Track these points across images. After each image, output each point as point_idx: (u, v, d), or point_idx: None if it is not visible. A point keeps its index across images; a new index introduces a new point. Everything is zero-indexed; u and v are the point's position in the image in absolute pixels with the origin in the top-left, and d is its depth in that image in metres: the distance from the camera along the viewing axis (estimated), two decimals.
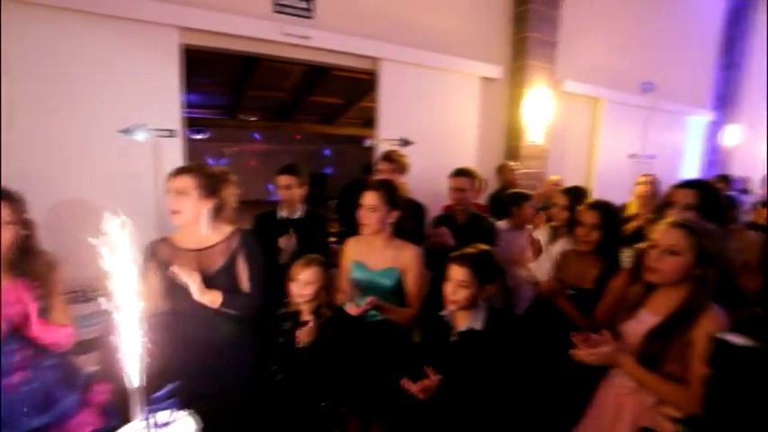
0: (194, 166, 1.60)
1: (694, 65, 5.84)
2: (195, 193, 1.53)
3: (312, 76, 5.78)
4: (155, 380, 1.36)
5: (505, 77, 4.10)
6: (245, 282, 1.61)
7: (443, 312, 1.57)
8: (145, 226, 2.38)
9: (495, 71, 3.99)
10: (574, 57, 4.42)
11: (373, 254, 1.86)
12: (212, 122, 8.36)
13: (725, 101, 6.08)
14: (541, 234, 2.29)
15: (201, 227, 1.57)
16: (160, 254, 1.57)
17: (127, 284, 0.91)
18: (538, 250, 2.28)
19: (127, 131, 2.51)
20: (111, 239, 0.87)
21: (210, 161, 10.01)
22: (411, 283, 1.80)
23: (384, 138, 3.49)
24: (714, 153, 6.15)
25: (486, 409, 1.48)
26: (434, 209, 2.87)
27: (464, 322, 1.52)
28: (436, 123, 3.79)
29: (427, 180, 3.28)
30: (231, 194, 1.66)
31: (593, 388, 1.56)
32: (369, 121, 4.88)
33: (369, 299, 1.61)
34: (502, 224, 2.47)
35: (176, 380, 1.43)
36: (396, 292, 1.81)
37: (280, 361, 1.75)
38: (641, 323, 1.38)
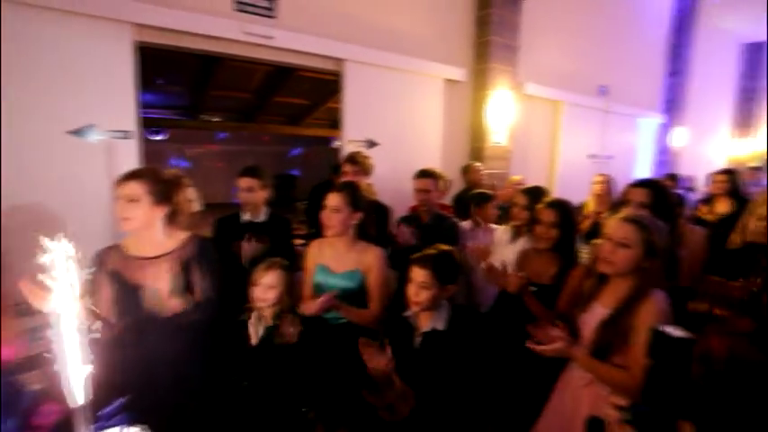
0: (145, 171, 1.52)
1: (645, 70, 6.17)
2: (147, 200, 1.45)
3: (277, 77, 5.69)
4: (105, 395, 1.30)
5: (469, 80, 4.19)
6: (200, 290, 1.55)
7: (407, 313, 1.58)
8: (98, 232, 2.28)
9: (458, 73, 4.07)
10: (534, 60, 4.57)
11: (336, 256, 1.85)
12: (173, 123, 8.06)
13: (672, 104, 6.47)
14: (503, 233, 2.35)
15: (155, 234, 1.51)
16: (109, 263, 1.49)
17: (69, 296, 0.86)
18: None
19: (77, 133, 2.38)
20: (55, 249, 0.83)
21: (173, 163, 9.70)
22: (374, 284, 1.80)
23: (350, 139, 3.48)
24: (664, 153, 6.52)
25: (450, 409, 1.50)
26: (400, 210, 2.89)
27: (427, 323, 1.53)
28: (401, 125, 3.82)
29: (393, 181, 3.30)
30: (186, 200, 1.59)
31: (554, 381, 1.62)
32: (336, 122, 4.86)
33: (325, 295, 1.60)
34: (465, 224, 2.52)
35: (130, 393, 1.38)
36: (360, 295, 1.80)
37: (244, 368, 1.71)
38: (594, 315, 1.45)
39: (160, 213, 1.49)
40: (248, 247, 2.06)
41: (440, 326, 1.51)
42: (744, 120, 8.09)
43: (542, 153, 5.06)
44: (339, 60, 3.43)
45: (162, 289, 1.43)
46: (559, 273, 1.81)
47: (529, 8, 4.38)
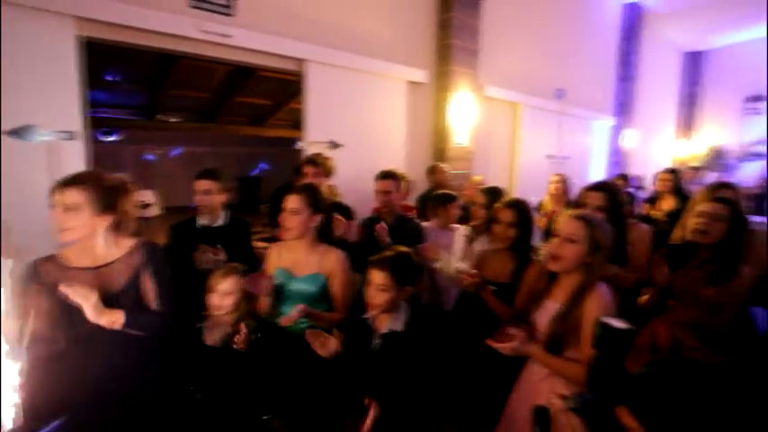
0: (86, 177, 1.39)
1: (597, 75, 6.49)
2: (88, 209, 1.34)
3: (237, 77, 5.56)
4: (43, 415, 1.21)
5: (431, 82, 4.25)
6: (152, 299, 1.47)
7: (366, 316, 1.57)
8: (39, 240, 2.13)
9: (421, 75, 4.12)
10: (494, 64, 4.69)
11: (297, 260, 1.81)
12: (127, 123, 7.68)
13: (623, 108, 6.83)
14: (463, 233, 2.39)
15: (97, 243, 1.41)
16: (46, 275, 1.37)
17: None
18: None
19: (15, 133, 2.22)
20: None
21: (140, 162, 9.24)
22: (337, 287, 1.78)
23: (312, 140, 3.44)
24: (616, 154, 6.88)
25: (410, 409, 1.51)
26: (365, 211, 2.89)
27: (386, 324, 1.53)
28: (365, 126, 3.82)
29: (357, 182, 3.30)
30: (132, 206, 1.50)
31: (516, 376, 1.66)
32: (299, 122, 4.81)
33: (299, 306, 1.57)
34: (429, 224, 2.55)
35: (75, 412, 1.29)
36: (322, 298, 1.78)
37: (200, 377, 1.64)
38: (547, 311, 1.50)
39: (103, 222, 1.39)
40: (203, 259, 1.97)
41: (398, 327, 1.51)
42: (686, 123, 8.67)
43: (503, 153, 5.21)
44: (300, 61, 3.38)
45: (106, 301, 1.34)
46: (517, 271, 1.86)
47: (488, 13, 4.50)
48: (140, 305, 1.46)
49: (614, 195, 2.01)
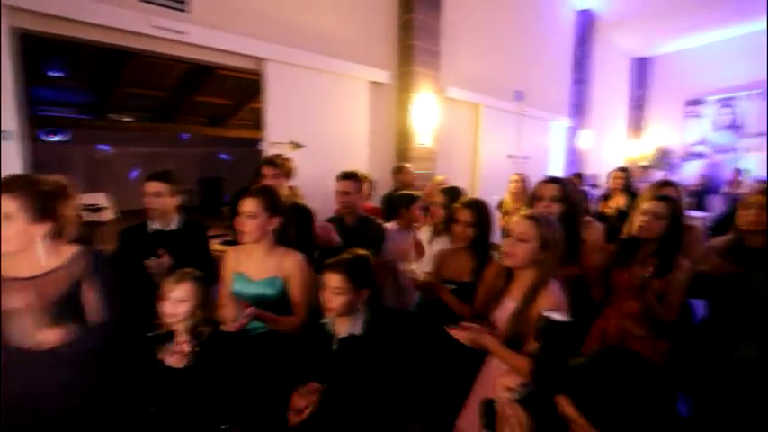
0: (17, 182, 1.28)
1: (554, 78, 6.74)
2: (22, 217, 1.24)
3: (195, 75, 5.37)
4: None
5: (394, 82, 4.26)
6: (95, 310, 1.39)
7: (324, 320, 1.55)
8: None
9: (383, 76, 4.13)
10: (455, 66, 4.78)
11: (254, 263, 1.77)
12: (75, 123, 7.23)
13: (578, 110, 7.14)
14: (424, 233, 2.42)
15: (34, 252, 1.31)
16: None
17: None
18: (421, 250, 2.41)
19: None
20: None
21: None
22: (296, 290, 1.75)
23: (273, 141, 3.37)
24: (572, 154, 7.18)
25: (371, 412, 1.50)
26: (329, 212, 2.86)
27: (344, 328, 1.52)
28: (327, 126, 3.79)
29: (320, 183, 3.26)
30: (73, 210, 1.40)
31: (477, 373, 1.69)
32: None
33: (246, 311, 1.53)
34: (391, 225, 2.55)
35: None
36: (281, 302, 1.74)
37: (153, 390, 1.57)
38: (505, 310, 1.54)
39: (40, 231, 1.29)
40: (159, 265, 1.89)
41: (357, 330, 1.51)
42: (635, 124, 9.19)
43: (465, 154, 5.31)
44: (259, 60, 3.30)
45: (44, 312, 1.25)
46: (476, 270, 1.90)
47: (449, 16, 4.57)
48: (81, 316, 1.37)
49: (567, 186, 2.09)
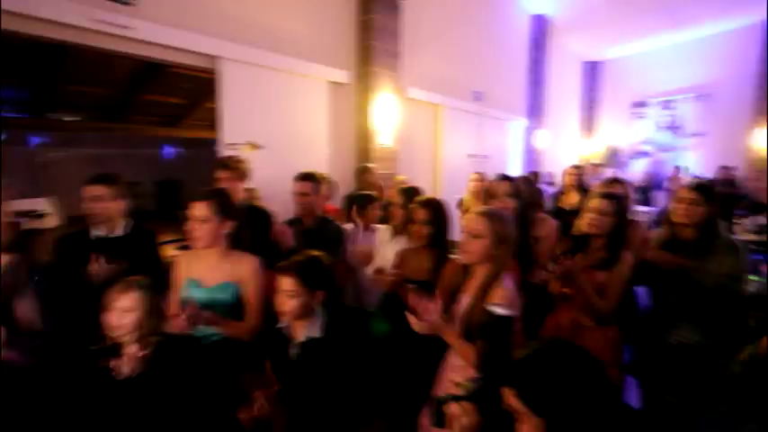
0: None
1: (511, 80, 6.96)
2: None
3: (145, 72, 5.10)
4: None
5: (353, 83, 4.25)
6: (30, 322, 1.29)
7: (281, 324, 1.52)
8: None
9: (342, 76, 4.10)
10: (415, 66, 4.82)
11: (208, 269, 1.71)
12: (9, 122, 6.68)
13: (535, 110, 7.41)
14: (383, 233, 2.42)
15: None
16: None
17: None
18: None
19: None
20: None
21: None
22: (251, 295, 1.71)
23: (229, 142, 3.26)
24: (530, 153, 7.44)
25: (334, 414, 1.49)
26: (288, 214, 2.80)
27: (302, 332, 1.49)
28: (286, 126, 3.72)
29: (279, 185, 3.19)
30: (7, 217, 1.29)
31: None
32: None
33: (189, 308, 1.46)
34: (351, 226, 2.54)
35: None
36: (236, 308, 1.69)
37: (97, 405, 1.47)
38: (462, 305, 1.56)
39: None
40: (98, 270, 1.77)
41: (316, 333, 1.48)
42: (587, 124, 9.66)
43: (426, 153, 5.38)
44: (212, 57, 3.19)
45: None
46: (435, 267, 1.92)
47: (408, 17, 4.61)
48: (15, 330, 1.27)
49: (517, 183, 2.16)
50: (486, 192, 2.12)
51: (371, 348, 2.04)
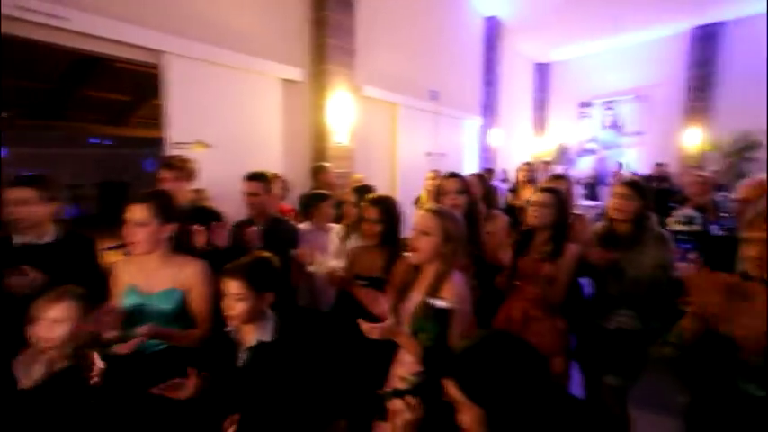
0: None
1: (466, 79, 7.14)
2: None
3: (84, 67, 4.79)
4: None
5: (308, 80, 4.19)
6: None
7: (228, 329, 1.48)
8: None
9: (296, 74, 4.03)
10: (371, 64, 4.83)
11: (148, 275, 1.62)
12: None
13: (488, 109, 7.64)
14: (338, 231, 2.41)
15: None
16: None
17: None
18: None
19: None
20: None
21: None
22: (197, 302, 1.64)
23: (177, 141, 3.12)
24: (485, 151, 7.66)
25: (286, 419, 1.46)
26: (241, 215, 2.72)
27: (252, 336, 1.46)
28: (237, 125, 3.61)
29: (230, 185, 3.09)
30: None
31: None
32: None
33: (142, 328, 1.40)
34: (305, 225, 2.51)
35: None
36: (180, 316, 1.62)
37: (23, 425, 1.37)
38: (412, 302, 1.58)
39: None
40: (20, 281, 1.62)
41: (266, 337, 1.45)
42: (539, 123, 10.10)
43: (384, 152, 5.40)
44: (156, 52, 3.04)
45: None
46: (387, 265, 1.93)
47: (362, 15, 4.60)
48: None
49: (465, 180, 2.22)
50: (436, 189, 2.16)
51: (327, 348, 2.03)
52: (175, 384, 1.34)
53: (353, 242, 2.20)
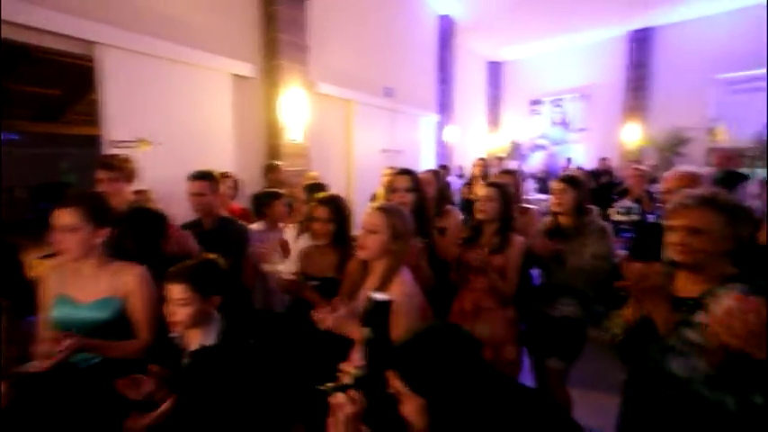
0: None
1: (421, 77, 7.22)
2: None
3: (10, 58, 4.37)
4: None
5: (260, 76, 4.07)
6: None
7: (172, 335, 1.41)
8: None
9: (247, 69, 3.91)
10: (325, 61, 4.77)
11: (82, 284, 1.51)
12: None
13: (444, 107, 7.77)
14: (290, 231, 2.37)
15: None
16: None
17: None
18: (287, 249, 2.35)
19: None
20: None
21: None
22: (138, 309, 1.55)
23: (116, 139, 2.93)
24: (441, 147, 7.80)
25: (236, 424, 1.42)
26: (189, 217, 2.60)
27: (197, 341, 1.40)
28: (184, 122, 3.45)
29: (177, 185, 2.95)
30: None
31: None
32: None
33: (65, 342, 1.30)
34: (257, 225, 2.44)
35: None
36: (117, 326, 1.52)
37: None
38: (361, 300, 1.58)
39: None
40: None
41: (209, 341, 1.40)
42: (493, 120, 10.41)
43: (339, 149, 5.36)
44: (90, 44, 2.83)
45: None
46: (339, 264, 1.92)
47: (315, 10, 4.52)
48: None
49: (416, 176, 2.24)
50: (387, 187, 2.17)
51: (281, 350, 1.98)
52: (133, 381, 1.25)
53: (305, 241, 2.16)
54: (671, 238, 1.26)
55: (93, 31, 2.82)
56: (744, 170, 4.15)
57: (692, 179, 2.01)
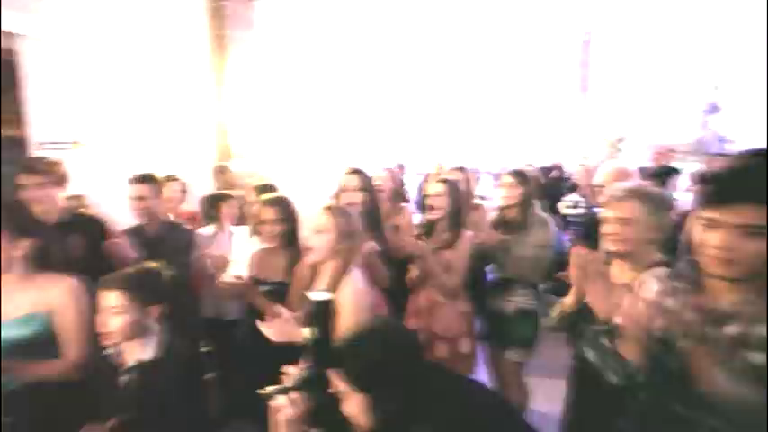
0: None
1: None
2: None
3: None
4: None
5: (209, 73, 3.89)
6: None
7: (107, 350, 1.31)
8: None
9: (194, 65, 3.73)
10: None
11: (2, 301, 1.37)
12: None
13: None
14: (241, 234, 2.29)
15: None
16: None
17: None
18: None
19: None
20: None
21: None
22: (66, 324, 1.42)
23: (40, 141, 2.70)
24: None
25: None
26: (131, 222, 2.44)
27: (134, 354, 1.31)
28: (125, 121, 3.23)
29: (118, 189, 2.77)
30: None
31: None
32: None
33: None
34: (206, 229, 2.33)
35: None
36: (43, 344, 1.39)
37: None
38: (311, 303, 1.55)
39: None
40: None
41: (148, 355, 1.31)
42: None
43: None
44: (9, 35, 2.58)
45: None
46: (289, 267, 1.87)
47: (261, 5, 4.37)
48: None
49: (365, 175, 2.23)
50: (338, 187, 2.14)
51: (232, 359, 1.91)
52: None
53: (254, 244, 2.09)
54: (606, 228, 1.34)
55: (13, 22, 2.57)
56: (676, 165, 4.45)
57: (623, 174, 2.14)
